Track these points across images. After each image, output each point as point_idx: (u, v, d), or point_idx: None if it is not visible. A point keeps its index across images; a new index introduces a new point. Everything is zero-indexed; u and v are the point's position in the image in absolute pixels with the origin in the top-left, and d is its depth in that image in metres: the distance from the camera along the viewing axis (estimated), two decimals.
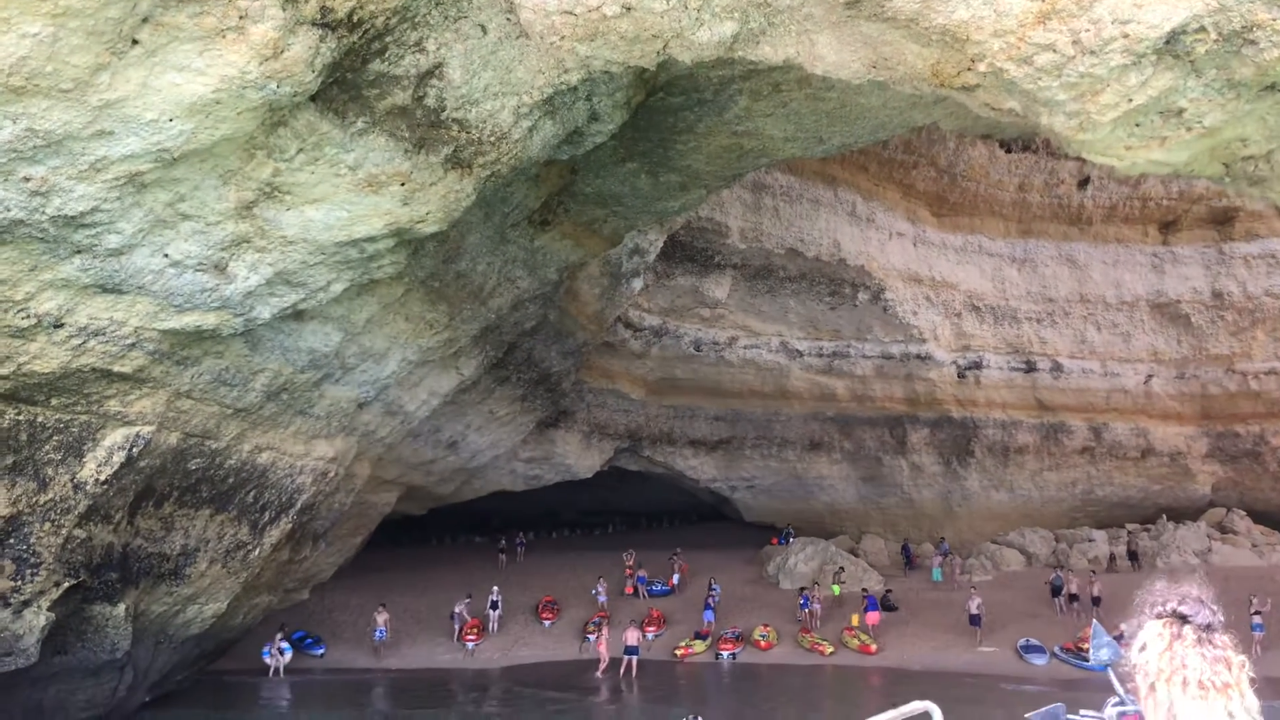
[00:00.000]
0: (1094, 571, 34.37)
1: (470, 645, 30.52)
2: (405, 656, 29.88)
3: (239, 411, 16.93)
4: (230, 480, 18.04)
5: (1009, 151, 41.57)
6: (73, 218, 11.01)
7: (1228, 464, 46.16)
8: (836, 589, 35.46)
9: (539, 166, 17.96)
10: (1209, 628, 2.41)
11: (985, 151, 40.90)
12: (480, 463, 32.73)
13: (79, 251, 11.60)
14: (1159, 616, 2.45)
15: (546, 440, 38.01)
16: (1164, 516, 44.78)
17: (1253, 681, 2.36)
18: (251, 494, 18.70)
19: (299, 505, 19.98)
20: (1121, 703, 2.66)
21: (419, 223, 14.46)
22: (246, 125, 11.32)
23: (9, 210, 10.48)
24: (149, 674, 19.22)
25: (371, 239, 14.32)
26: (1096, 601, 32.38)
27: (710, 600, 33.78)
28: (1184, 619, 2.42)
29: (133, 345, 13.38)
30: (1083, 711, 2.82)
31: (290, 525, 20.06)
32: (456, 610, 32.08)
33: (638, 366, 39.02)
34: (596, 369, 37.76)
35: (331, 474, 20.92)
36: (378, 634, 30.35)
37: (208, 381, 15.61)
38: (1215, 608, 2.47)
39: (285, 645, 29.14)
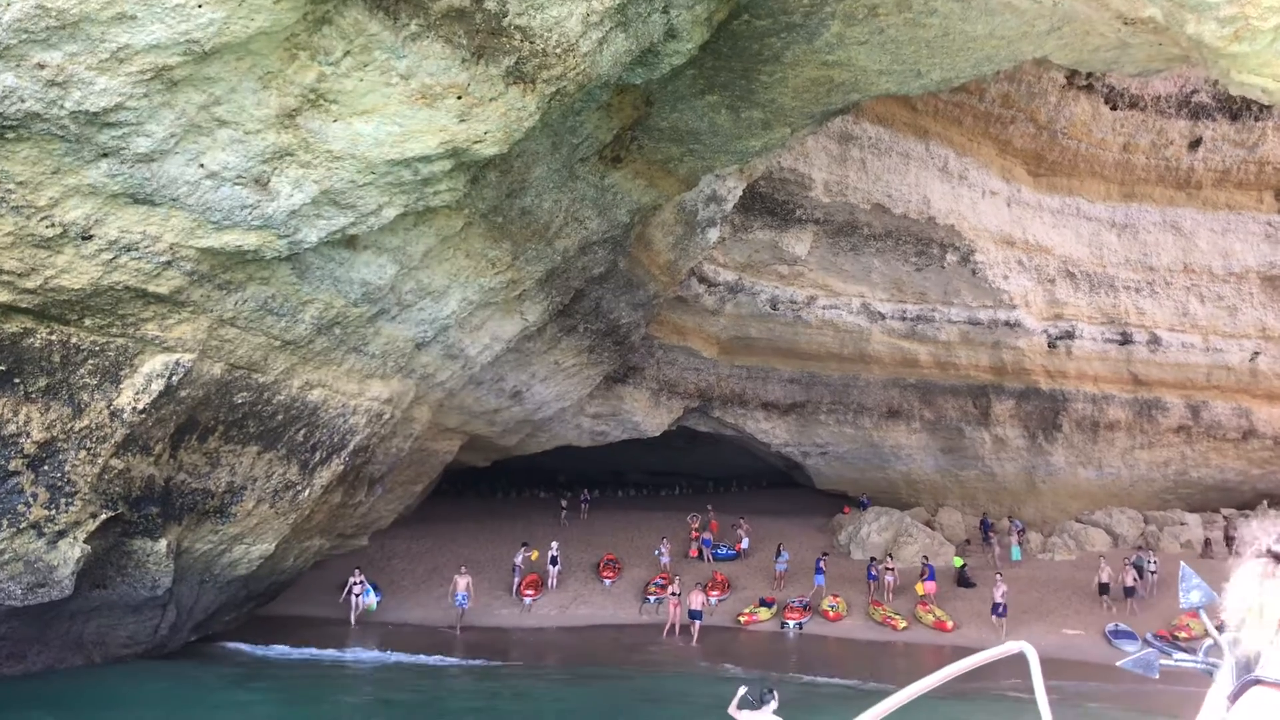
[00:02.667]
0: (1127, 560, 32.07)
1: (528, 601, 29.75)
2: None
3: (287, 344, 16.09)
4: (279, 417, 17.27)
5: (1114, 109, 38.95)
6: (95, 115, 10.07)
7: None
8: (959, 561, 34.23)
9: (610, 92, 16.67)
10: None
11: (1089, 108, 38.37)
12: (545, 415, 31.82)
13: (105, 155, 10.68)
14: (1256, 556, 2.32)
15: (614, 396, 36.97)
16: (1264, 503, 42.22)
17: None
18: (301, 432, 17.93)
19: (351, 447, 19.19)
20: (1215, 645, 2.50)
21: (477, 143, 13.32)
22: (285, 18, 10.24)
23: (23, 101, 9.56)
24: (193, 613, 18.71)
25: (426, 159, 13.22)
26: (1130, 592, 30.33)
27: (820, 564, 32.69)
28: (1278, 557, 2.28)
29: (168, 264, 12.51)
30: (1177, 656, 2.72)
31: (342, 467, 19.29)
32: (517, 561, 31.41)
33: (710, 323, 37.65)
34: (667, 324, 36.50)
35: (387, 416, 20.09)
36: (459, 600, 28.35)
37: (253, 309, 14.75)
38: None
39: (369, 588, 28.63)
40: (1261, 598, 2.21)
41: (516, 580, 30.69)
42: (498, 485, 51.61)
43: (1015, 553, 36.88)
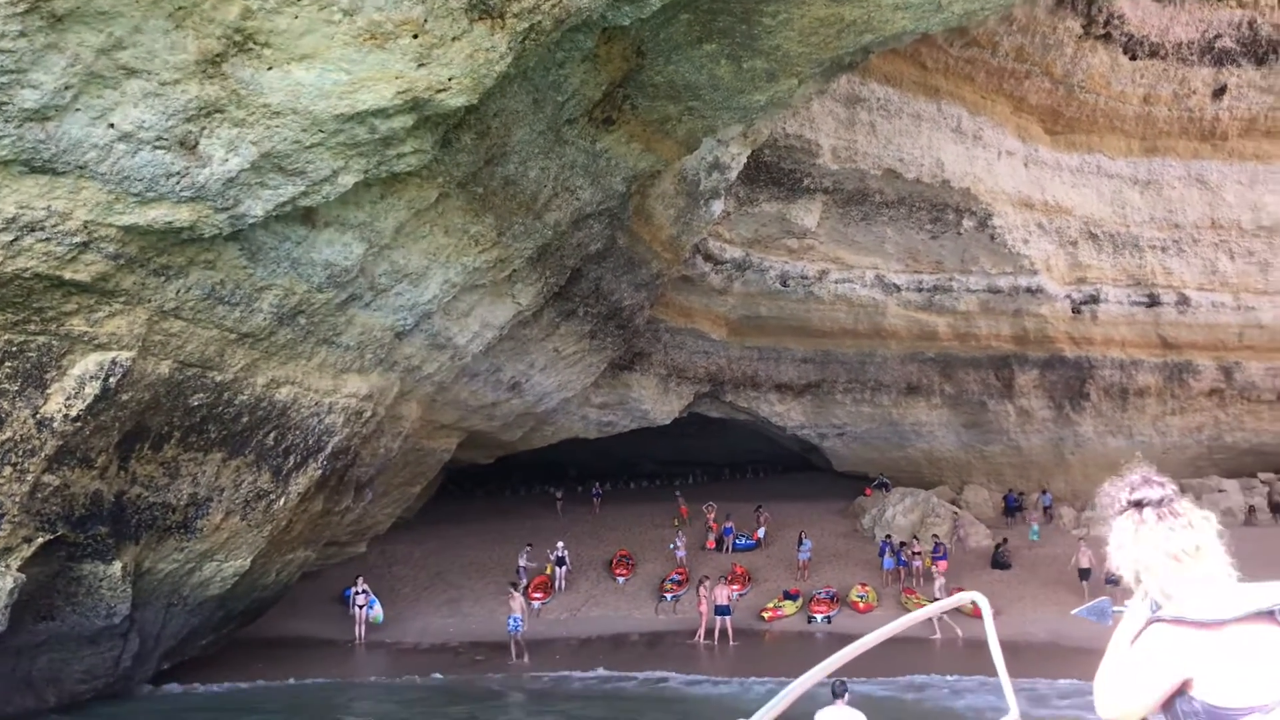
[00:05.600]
0: (1082, 540, 29.46)
1: (536, 605, 27.88)
2: (468, 617, 27.38)
3: (245, 337, 14.33)
4: (244, 419, 15.52)
5: (1134, 58, 36.85)
6: None
7: None
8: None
9: (596, 38, 14.84)
10: (1162, 502, 2.47)
11: (1107, 58, 36.29)
12: (548, 407, 30.07)
13: None
14: (1120, 514, 2.53)
15: (620, 384, 35.21)
16: None
17: None
18: (271, 435, 16.19)
19: (329, 449, 17.45)
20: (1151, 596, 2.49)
21: (441, 91, 11.49)
22: None
23: None
24: (161, 640, 17.00)
25: (382, 112, 11.40)
26: (1085, 575, 27.37)
27: (802, 536, 31.20)
28: (1140, 504, 2.49)
29: (85, 245, 10.74)
30: (1125, 603, 2.63)
31: (320, 471, 17.55)
32: (521, 565, 29.59)
33: (718, 303, 35.82)
34: (673, 306, 34.70)
35: (368, 414, 18.33)
36: (511, 626, 24.45)
37: (199, 298, 12.99)
38: (1163, 480, 2.55)
39: (373, 599, 26.69)
40: (1138, 549, 2.45)
41: (523, 583, 28.83)
42: (506, 483, 49.96)
43: (1033, 532, 34.65)
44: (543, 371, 26.82)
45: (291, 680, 20.79)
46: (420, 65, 11.03)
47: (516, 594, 25.58)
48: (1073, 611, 3.14)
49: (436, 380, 21.26)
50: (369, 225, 14.53)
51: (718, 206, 27.73)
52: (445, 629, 26.56)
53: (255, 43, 10.02)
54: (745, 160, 27.04)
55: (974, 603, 3.39)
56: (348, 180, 12.36)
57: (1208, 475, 41.30)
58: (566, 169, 18.03)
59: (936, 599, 27.20)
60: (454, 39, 11.03)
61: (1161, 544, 2.42)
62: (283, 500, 16.93)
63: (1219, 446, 42.48)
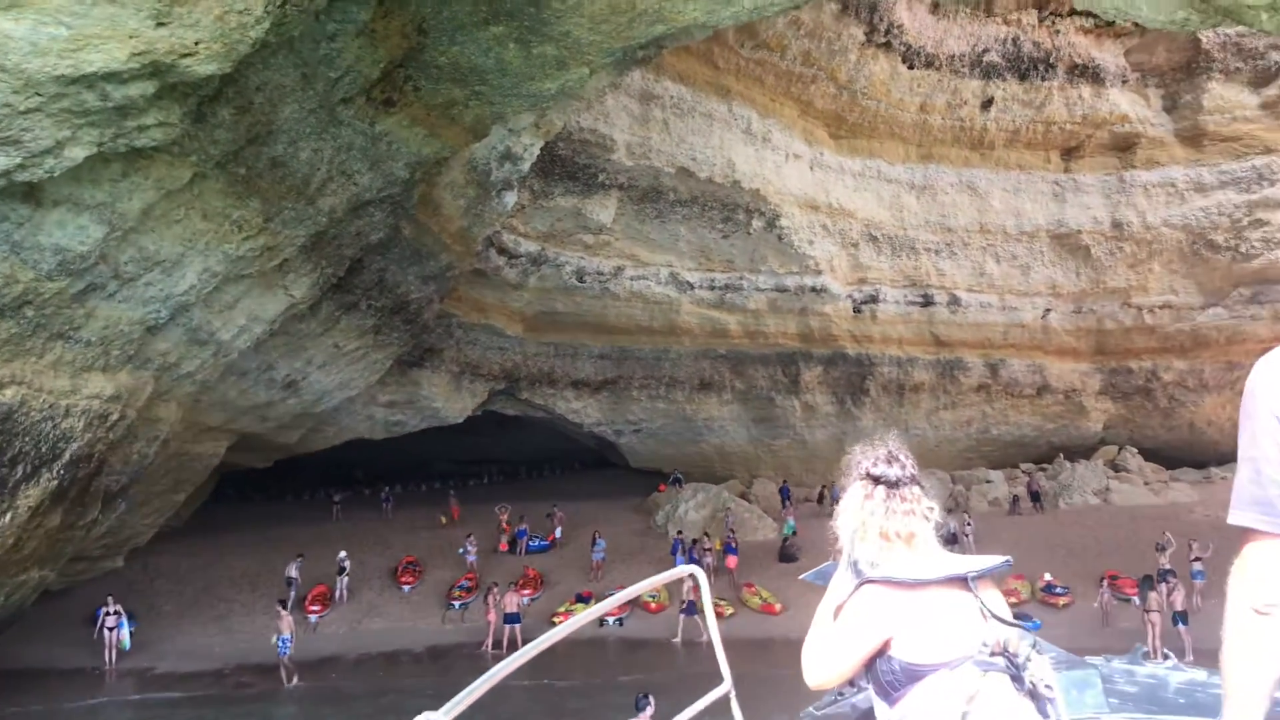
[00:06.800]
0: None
1: (313, 618, 26.11)
2: (237, 635, 25.36)
3: None
4: None
5: (911, 67, 38.56)
6: None
7: (1119, 401, 45.11)
8: (791, 527, 33.39)
9: (371, 10, 13.77)
10: (897, 483, 2.62)
11: (887, 66, 37.79)
12: (329, 406, 28.40)
13: None
14: (859, 479, 2.67)
15: (409, 381, 33.78)
16: (1060, 455, 43.45)
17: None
18: None
19: (67, 457, 15.53)
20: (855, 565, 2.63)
21: (187, 56, 10.22)
22: None
23: None
24: None
25: (116, 77, 10.03)
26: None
27: (596, 535, 30.69)
28: (876, 479, 2.63)
29: None
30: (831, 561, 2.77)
31: (56, 482, 15.59)
32: (291, 574, 27.66)
33: (514, 299, 34.98)
34: (466, 301, 33.61)
35: (115, 417, 16.47)
36: (280, 648, 22.74)
37: None
38: (906, 462, 2.68)
39: (124, 620, 24.23)
40: (859, 518, 2.60)
41: (293, 595, 26.93)
42: (288, 487, 47.27)
43: (789, 527, 34.46)
44: (322, 369, 25.23)
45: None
46: (160, 24, 9.75)
47: (285, 613, 23.87)
48: (800, 576, 3.23)
49: (199, 379, 19.47)
50: (110, 206, 12.92)
51: (510, 198, 26.93)
52: (210, 649, 24.43)
53: None
54: (539, 152, 26.36)
55: (693, 577, 3.53)
56: (77, 153, 10.85)
57: (976, 467, 43.79)
58: (342, 152, 16.80)
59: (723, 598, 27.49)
60: None
61: (880, 521, 2.56)
62: (9, 516, 14.89)
63: (986, 439, 45.09)
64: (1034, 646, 2.48)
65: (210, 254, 15.64)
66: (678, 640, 25.13)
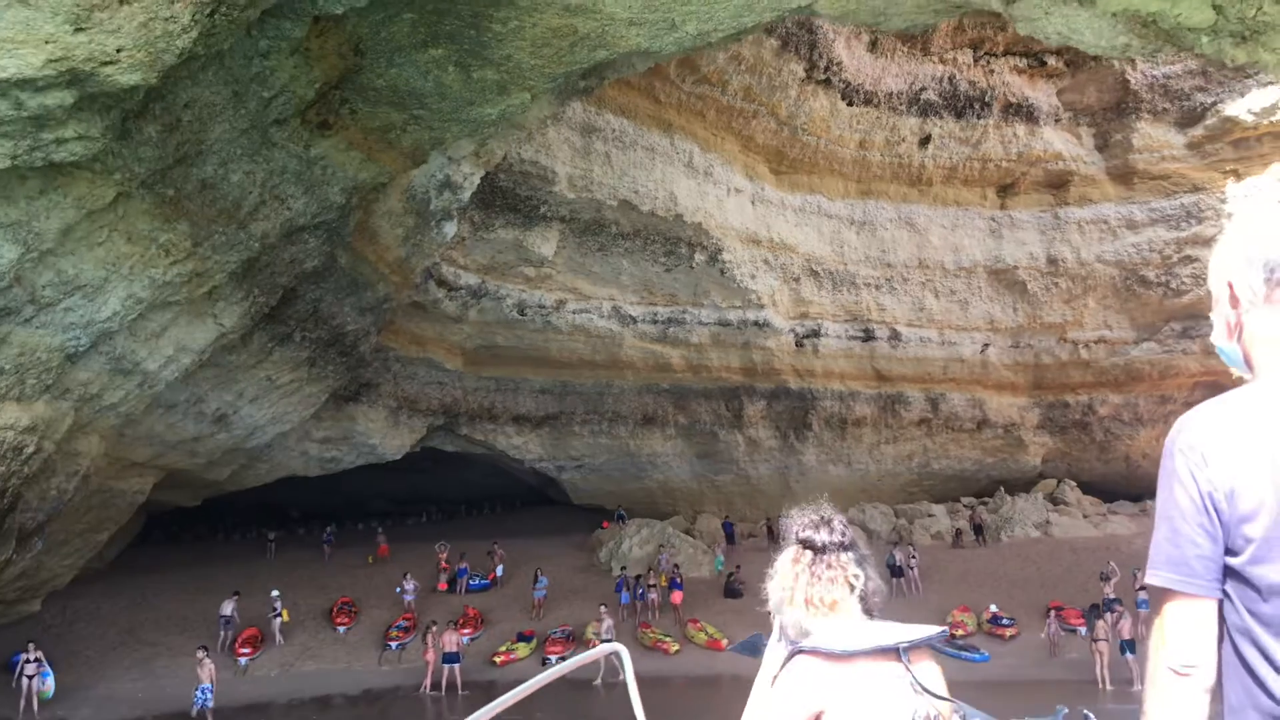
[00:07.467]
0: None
1: (243, 661, 25.10)
2: (162, 680, 24.23)
3: None
4: None
5: (850, 104, 39.05)
6: None
7: (1057, 435, 45.71)
8: (719, 563, 33.15)
9: (306, 26, 13.38)
10: (824, 549, 2.62)
11: (827, 103, 38.21)
12: (261, 441, 27.50)
13: None
14: (790, 544, 2.68)
15: (345, 416, 32.95)
16: (1000, 489, 43.81)
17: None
18: None
19: None
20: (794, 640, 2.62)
21: (108, 64, 9.75)
22: None
23: None
24: None
25: (30, 84, 9.52)
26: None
27: (538, 572, 30.02)
28: (807, 544, 2.64)
29: None
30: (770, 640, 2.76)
31: None
32: (224, 614, 26.61)
33: (453, 332, 34.42)
34: (404, 334, 32.99)
35: (30, 450, 15.67)
36: (199, 699, 21.56)
37: None
38: (837, 527, 2.67)
39: (46, 671, 22.94)
40: (785, 583, 2.61)
41: (225, 636, 25.87)
42: (218, 526, 45.87)
43: (718, 562, 34.56)
44: (254, 402, 24.45)
45: None
46: (79, 29, 9.28)
47: (207, 659, 22.61)
48: (727, 648, 3.51)
49: (123, 411, 18.67)
50: (25, 225, 12.29)
51: (450, 229, 26.49)
52: (134, 695, 23.26)
53: None
54: (479, 182, 25.97)
55: (617, 654, 3.51)
56: None
57: (918, 500, 44.00)
58: (275, 175, 16.31)
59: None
60: (122, 2, 9.36)
61: (804, 587, 2.58)
62: None
63: (927, 473, 45.34)
64: (964, 718, 2.52)
65: (135, 279, 15.01)
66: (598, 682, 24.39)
